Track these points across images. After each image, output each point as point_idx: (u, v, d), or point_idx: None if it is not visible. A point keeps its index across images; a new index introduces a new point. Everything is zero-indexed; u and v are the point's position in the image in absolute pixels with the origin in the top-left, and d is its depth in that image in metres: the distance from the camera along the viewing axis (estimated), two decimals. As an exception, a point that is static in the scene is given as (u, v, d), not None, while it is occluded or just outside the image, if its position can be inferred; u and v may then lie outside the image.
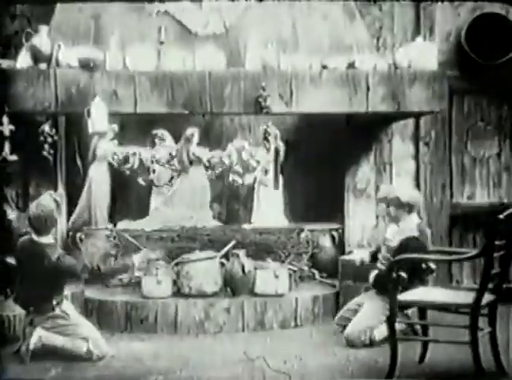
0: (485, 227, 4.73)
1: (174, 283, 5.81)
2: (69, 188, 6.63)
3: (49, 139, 5.90)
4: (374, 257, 5.38)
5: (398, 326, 4.57)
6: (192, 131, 6.65)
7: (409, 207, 5.09)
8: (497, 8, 6.68)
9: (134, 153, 6.68)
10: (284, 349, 5.02)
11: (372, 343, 5.02)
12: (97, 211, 6.64)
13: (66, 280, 4.94)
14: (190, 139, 6.64)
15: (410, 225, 5.08)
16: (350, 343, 5.03)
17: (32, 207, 4.86)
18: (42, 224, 4.78)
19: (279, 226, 6.58)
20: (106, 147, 6.67)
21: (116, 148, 6.71)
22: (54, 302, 4.80)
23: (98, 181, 6.66)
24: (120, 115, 5.99)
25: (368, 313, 5.09)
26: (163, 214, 6.65)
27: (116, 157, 6.66)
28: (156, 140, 6.77)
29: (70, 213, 6.65)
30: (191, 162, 6.66)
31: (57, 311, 4.81)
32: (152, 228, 6.39)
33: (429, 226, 6.74)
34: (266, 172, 6.66)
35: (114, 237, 6.32)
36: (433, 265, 4.91)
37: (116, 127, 6.61)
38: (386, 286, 4.59)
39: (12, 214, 6.21)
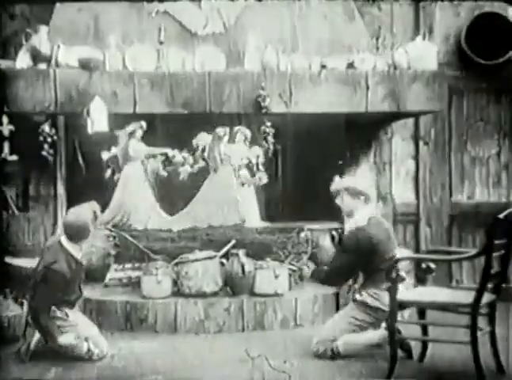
0: (485, 227, 4.72)
1: (174, 282, 5.80)
2: (69, 187, 6.63)
3: (49, 139, 5.89)
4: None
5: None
6: (224, 131, 6.65)
7: (365, 197, 4.91)
8: (497, 7, 6.68)
9: (163, 154, 6.72)
10: (284, 349, 5.02)
11: (334, 356, 4.74)
12: (134, 211, 6.60)
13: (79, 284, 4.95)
14: (221, 138, 6.65)
15: (362, 217, 4.87)
16: (315, 354, 4.80)
17: (69, 214, 4.90)
18: (74, 233, 4.79)
19: (280, 226, 6.60)
20: (137, 147, 6.66)
21: (148, 148, 6.70)
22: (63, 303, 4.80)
23: (135, 181, 6.64)
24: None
25: (329, 323, 4.93)
26: (192, 213, 6.66)
27: (148, 156, 6.70)
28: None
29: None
30: (221, 161, 6.67)
31: (57, 313, 4.80)
32: (180, 227, 6.44)
33: (429, 225, 6.80)
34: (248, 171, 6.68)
35: (114, 237, 6.31)
36: (432, 265, 4.90)
37: (144, 124, 6.59)
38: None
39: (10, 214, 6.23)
